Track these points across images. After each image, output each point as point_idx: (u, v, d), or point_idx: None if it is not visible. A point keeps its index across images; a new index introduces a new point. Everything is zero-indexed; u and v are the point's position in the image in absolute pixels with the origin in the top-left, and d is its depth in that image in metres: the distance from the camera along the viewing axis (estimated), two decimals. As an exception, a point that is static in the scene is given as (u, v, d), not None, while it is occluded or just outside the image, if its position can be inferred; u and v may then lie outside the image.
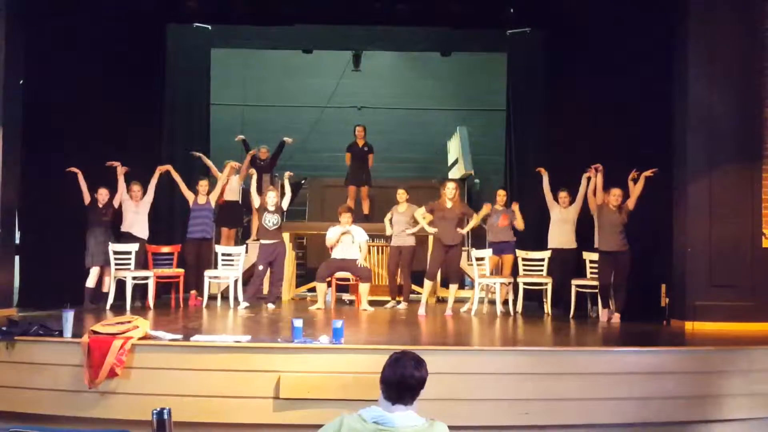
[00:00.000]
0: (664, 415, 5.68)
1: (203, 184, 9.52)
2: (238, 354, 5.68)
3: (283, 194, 9.44)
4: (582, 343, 6.97)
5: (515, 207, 9.32)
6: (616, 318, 8.04)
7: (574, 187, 9.08)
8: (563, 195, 9.07)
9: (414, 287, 9.90)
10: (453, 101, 16.26)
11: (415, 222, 8.96)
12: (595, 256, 8.55)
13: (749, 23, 7.77)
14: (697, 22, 7.81)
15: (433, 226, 8.60)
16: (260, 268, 9.06)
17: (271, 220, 9.07)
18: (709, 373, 5.85)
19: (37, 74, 8.78)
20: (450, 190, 8.53)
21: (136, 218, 9.02)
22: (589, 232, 8.71)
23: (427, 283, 8.63)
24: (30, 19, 8.53)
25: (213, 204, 9.52)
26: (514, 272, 9.10)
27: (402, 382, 2.83)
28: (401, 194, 9.34)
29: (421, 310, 8.47)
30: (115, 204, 8.93)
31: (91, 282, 8.68)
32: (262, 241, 9.12)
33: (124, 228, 8.98)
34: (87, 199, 8.81)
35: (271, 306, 8.84)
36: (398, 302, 9.28)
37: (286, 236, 9.99)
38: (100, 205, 8.80)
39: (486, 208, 9.01)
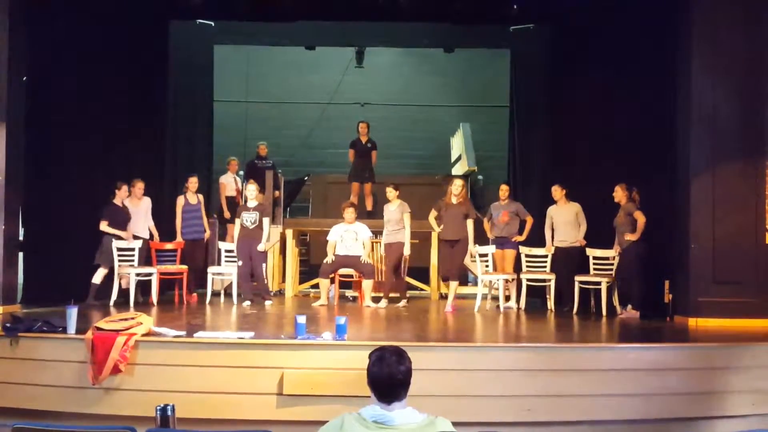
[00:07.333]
0: (667, 412, 5.67)
1: (193, 182, 9.45)
2: (241, 350, 5.69)
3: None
4: (585, 340, 6.96)
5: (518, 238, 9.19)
6: (621, 313, 8.05)
7: (573, 185, 9.10)
8: (557, 190, 9.07)
9: (415, 283, 9.90)
10: (456, 98, 16.28)
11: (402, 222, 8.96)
12: (598, 253, 8.61)
13: (752, 20, 7.74)
14: (700, 19, 7.79)
15: (438, 223, 8.62)
16: (240, 263, 8.98)
17: (249, 219, 9.00)
18: (713, 370, 5.84)
19: (40, 71, 8.80)
20: (457, 187, 8.53)
21: (137, 218, 9.03)
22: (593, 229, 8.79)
23: (453, 284, 8.59)
24: (33, 16, 8.54)
25: (203, 203, 9.51)
26: (517, 268, 9.10)
27: (391, 381, 2.81)
28: (390, 192, 9.22)
29: (448, 307, 8.45)
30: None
31: (97, 278, 8.67)
32: (240, 237, 9.03)
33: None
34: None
35: (267, 303, 8.85)
36: (399, 299, 9.27)
37: (288, 233, 9.99)
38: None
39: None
